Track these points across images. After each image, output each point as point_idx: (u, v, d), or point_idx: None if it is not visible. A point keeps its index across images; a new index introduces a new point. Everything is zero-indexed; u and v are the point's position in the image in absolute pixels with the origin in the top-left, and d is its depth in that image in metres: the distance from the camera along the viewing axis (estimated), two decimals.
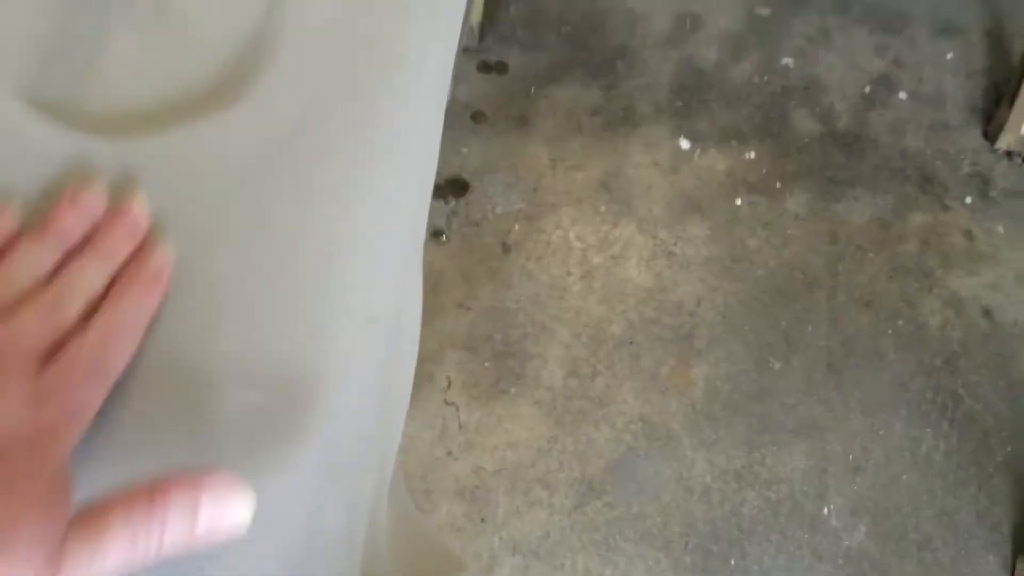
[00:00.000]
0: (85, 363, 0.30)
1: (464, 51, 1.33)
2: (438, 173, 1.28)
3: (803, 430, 1.12)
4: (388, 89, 0.38)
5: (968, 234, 1.27)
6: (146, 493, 0.27)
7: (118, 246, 0.32)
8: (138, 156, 0.34)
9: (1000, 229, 1.28)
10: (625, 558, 1.03)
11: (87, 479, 0.29)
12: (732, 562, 1.03)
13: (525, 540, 1.04)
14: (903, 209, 1.29)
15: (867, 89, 1.38)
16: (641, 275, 1.21)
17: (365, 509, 0.46)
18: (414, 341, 0.49)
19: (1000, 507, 1.07)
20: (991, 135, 1.35)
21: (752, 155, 1.31)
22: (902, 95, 1.39)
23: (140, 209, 0.33)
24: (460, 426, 1.11)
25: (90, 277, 0.33)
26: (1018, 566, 1.02)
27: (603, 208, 1.25)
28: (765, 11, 1.43)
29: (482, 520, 1.06)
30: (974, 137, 1.36)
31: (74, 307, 0.31)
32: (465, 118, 1.29)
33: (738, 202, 1.27)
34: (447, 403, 1.13)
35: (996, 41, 1.45)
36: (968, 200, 1.30)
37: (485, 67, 1.34)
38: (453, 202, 1.24)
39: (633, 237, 1.24)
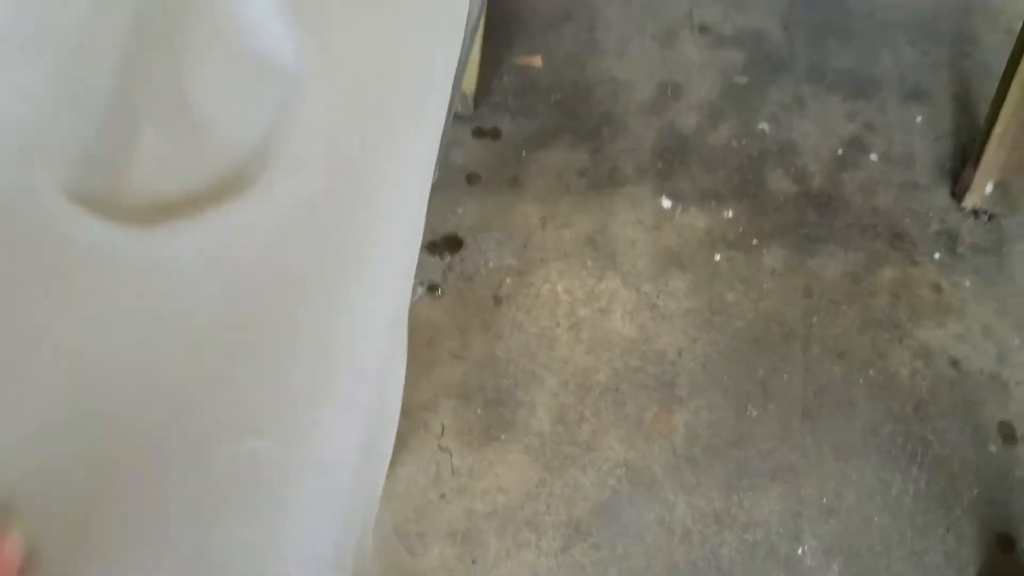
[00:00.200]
0: None
1: (460, 118, 1.42)
2: (435, 231, 1.38)
3: (779, 474, 1.18)
4: (379, 183, 0.46)
5: (936, 288, 1.34)
6: None
7: None
8: (160, 244, 0.41)
9: (967, 283, 1.35)
10: None
11: None
12: None
13: None
14: (874, 264, 1.36)
15: (840, 151, 1.47)
16: (625, 326, 1.28)
17: (354, 533, 0.52)
18: (398, 389, 0.55)
19: (967, 548, 1.12)
20: (958, 194, 1.43)
21: (730, 214, 1.39)
22: (873, 157, 1.47)
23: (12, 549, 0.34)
24: (453, 471, 1.17)
25: None
26: None
27: (589, 263, 1.33)
28: (742, 80, 1.52)
29: (473, 562, 1.11)
30: (942, 196, 1.43)
31: None
32: (460, 180, 1.38)
33: (717, 258, 1.35)
34: (441, 449, 1.19)
35: (962, 105, 1.53)
36: (936, 256, 1.37)
37: (480, 133, 1.43)
38: (448, 258, 1.32)
39: (618, 290, 1.31)
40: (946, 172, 1.46)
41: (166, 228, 0.42)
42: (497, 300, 1.29)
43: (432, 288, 1.29)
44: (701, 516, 1.15)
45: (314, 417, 0.45)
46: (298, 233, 0.45)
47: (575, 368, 1.25)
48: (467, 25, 0.61)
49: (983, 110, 1.44)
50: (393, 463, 1.18)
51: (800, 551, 1.12)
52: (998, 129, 1.34)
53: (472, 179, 1.39)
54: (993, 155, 1.36)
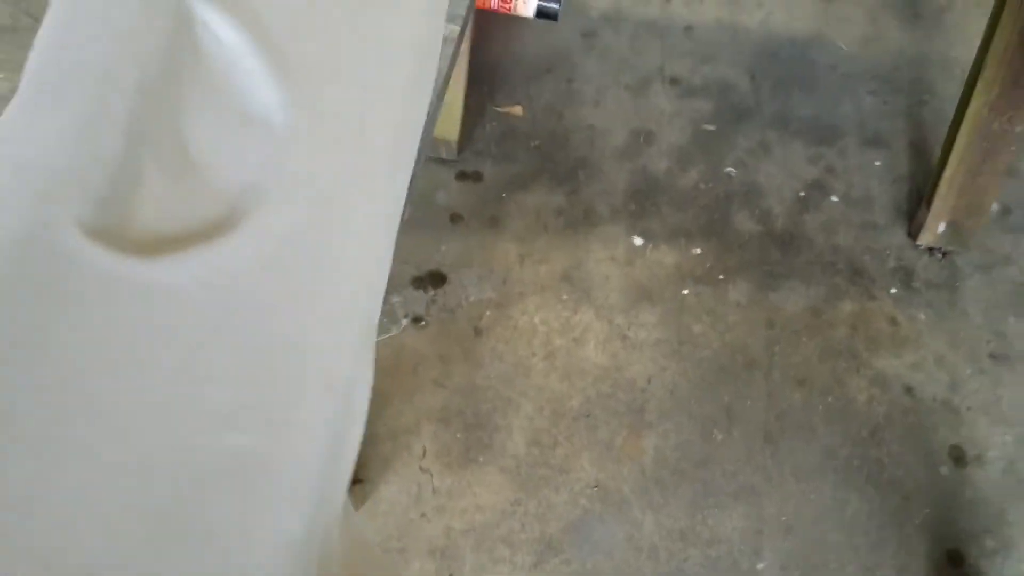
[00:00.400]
0: None
1: (444, 163, 1.52)
2: (420, 267, 1.51)
3: (742, 494, 1.25)
4: (352, 217, 0.55)
5: (893, 320, 1.43)
6: None
7: None
8: (162, 272, 0.49)
9: (922, 316, 1.43)
10: None
11: None
12: None
13: None
14: (834, 299, 1.44)
15: (802, 193, 1.56)
16: (598, 356, 1.36)
17: (320, 522, 0.60)
18: (366, 392, 0.63)
19: (917, 563, 1.18)
20: (913, 233, 1.52)
21: (698, 251, 1.48)
22: (834, 198, 1.57)
23: None
24: (434, 491, 1.24)
25: None
26: None
27: (565, 297, 1.42)
28: (710, 127, 1.63)
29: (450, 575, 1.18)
30: (899, 235, 1.52)
31: None
32: (444, 219, 1.48)
33: (685, 292, 1.43)
34: (422, 470, 1.26)
35: (918, 151, 1.63)
36: (893, 291, 1.46)
37: (463, 176, 1.53)
38: (432, 292, 1.40)
39: (591, 322, 1.39)
40: (903, 213, 1.55)
41: (168, 259, 0.50)
42: (477, 331, 1.38)
43: (416, 320, 1.38)
44: (668, 533, 1.21)
45: (287, 418, 0.52)
46: (281, 261, 0.53)
47: (550, 394, 1.32)
48: (437, 81, 0.70)
49: (938, 154, 1.53)
50: (377, 483, 1.25)
51: (760, 566, 1.19)
52: (947, 173, 1.43)
53: (455, 219, 1.48)
54: (944, 197, 1.45)
